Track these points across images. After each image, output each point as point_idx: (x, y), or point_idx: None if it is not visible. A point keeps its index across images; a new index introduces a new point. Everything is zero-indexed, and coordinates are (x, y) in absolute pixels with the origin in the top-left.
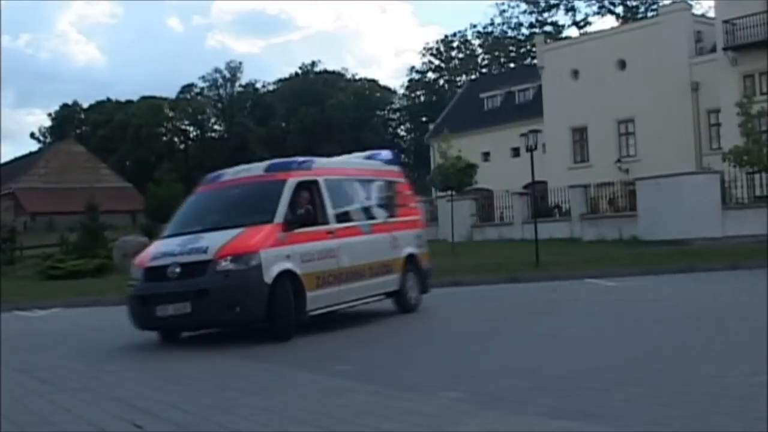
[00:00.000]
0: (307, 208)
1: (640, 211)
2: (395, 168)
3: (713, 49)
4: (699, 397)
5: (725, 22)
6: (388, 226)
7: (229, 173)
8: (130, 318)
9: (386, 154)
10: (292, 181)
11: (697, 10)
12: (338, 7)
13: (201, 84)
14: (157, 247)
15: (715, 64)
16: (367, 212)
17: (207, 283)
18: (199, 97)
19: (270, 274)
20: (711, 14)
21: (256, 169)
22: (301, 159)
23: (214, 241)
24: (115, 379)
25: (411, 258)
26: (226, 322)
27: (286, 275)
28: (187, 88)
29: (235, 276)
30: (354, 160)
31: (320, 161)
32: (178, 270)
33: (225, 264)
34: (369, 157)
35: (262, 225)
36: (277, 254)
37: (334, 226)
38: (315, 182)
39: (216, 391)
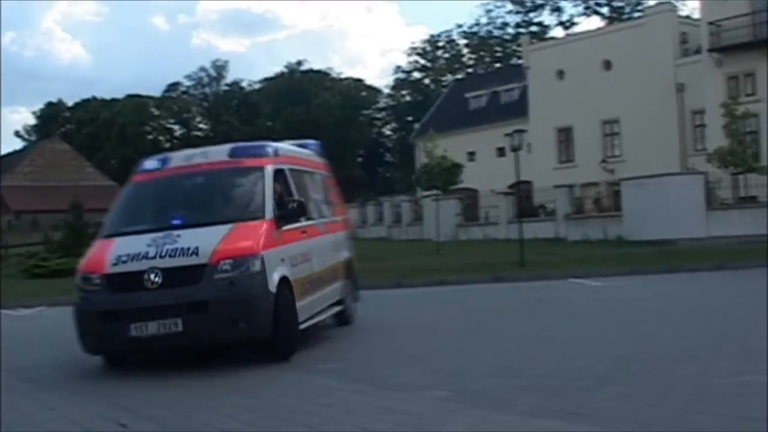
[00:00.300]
0: (299, 200)
1: (625, 212)
2: (325, 161)
3: (698, 51)
4: (684, 396)
5: (710, 23)
6: (333, 226)
7: (178, 158)
8: (82, 340)
9: (314, 144)
10: (270, 168)
11: (683, 11)
12: (324, 7)
13: (186, 82)
14: (114, 247)
15: (700, 65)
16: (319, 209)
17: (205, 294)
18: (184, 96)
19: (273, 281)
20: (696, 15)
21: (216, 153)
22: (267, 144)
23: (201, 240)
24: (100, 378)
25: (348, 263)
26: (226, 341)
27: (284, 282)
28: (173, 86)
29: (240, 284)
30: (297, 148)
31: (283, 147)
32: (158, 277)
33: (225, 269)
34: (301, 147)
35: (250, 221)
36: (276, 257)
37: (305, 223)
38: (282, 171)
39: (201, 390)
